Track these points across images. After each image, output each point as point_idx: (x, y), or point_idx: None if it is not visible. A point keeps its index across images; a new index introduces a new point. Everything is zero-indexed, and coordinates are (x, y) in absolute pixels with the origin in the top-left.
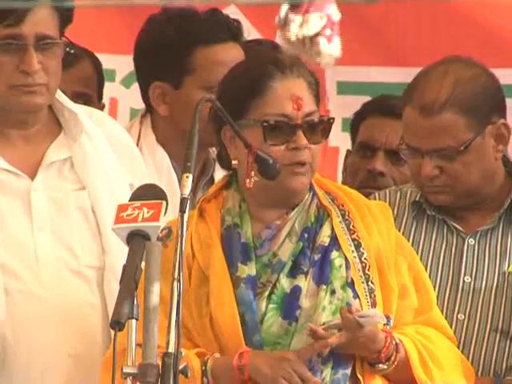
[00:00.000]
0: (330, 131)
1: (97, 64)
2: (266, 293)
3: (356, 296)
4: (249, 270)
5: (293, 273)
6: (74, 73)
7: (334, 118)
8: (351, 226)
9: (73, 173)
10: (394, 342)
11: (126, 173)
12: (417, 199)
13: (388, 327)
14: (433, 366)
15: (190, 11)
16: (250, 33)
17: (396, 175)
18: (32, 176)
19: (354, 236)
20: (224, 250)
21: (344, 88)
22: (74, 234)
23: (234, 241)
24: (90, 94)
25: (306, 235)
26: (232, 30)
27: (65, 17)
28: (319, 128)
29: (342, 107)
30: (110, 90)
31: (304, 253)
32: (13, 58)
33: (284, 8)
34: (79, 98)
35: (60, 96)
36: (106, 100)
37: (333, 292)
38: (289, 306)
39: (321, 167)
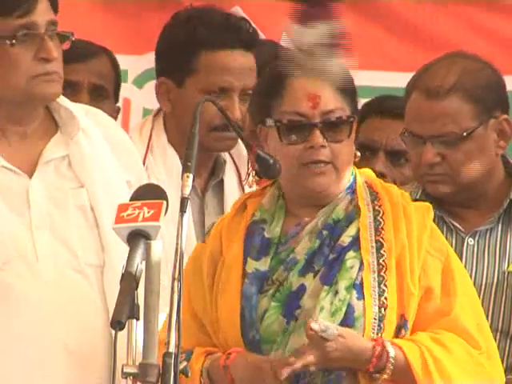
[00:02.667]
0: (351, 130)
1: (114, 63)
2: (272, 290)
3: (361, 297)
4: (259, 265)
5: (304, 271)
6: (91, 65)
7: (354, 117)
8: (380, 227)
9: (70, 171)
10: (386, 351)
11: (123, 170)
12: (417, 197)
13: (404, 331)
14: (437, 374)
15: (210, 12)
16: None
17: (397, 176)
18: (30, 174)
19: (379, 237)
20: (245, 244)
21: None
22: (73, 232)
23: (255, 235)
24: (107, 87)
25: (324, 232)
26: (242, 39)
27: (54, 5)
28: (340, 126)
29: None
30: (122, 90)
31: (321, 251)
32: (29, 47)
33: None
34: (95, 90)
35: None
36: (119, 101)
37: (336, 293)
38: (290, 304)
39: None
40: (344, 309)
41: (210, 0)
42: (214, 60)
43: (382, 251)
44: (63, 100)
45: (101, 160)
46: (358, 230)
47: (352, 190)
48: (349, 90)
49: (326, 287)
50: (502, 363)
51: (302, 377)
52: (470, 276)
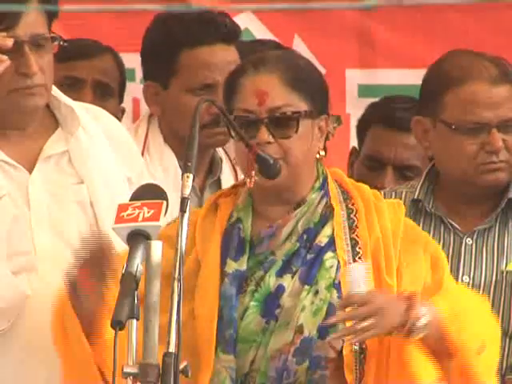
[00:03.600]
0: (298, 124)
1: (119, 62)
2: (251, 289)
3: (341, 297)
4: (238, 265)
5: (281, 272)
6: (95, 62)
7: (299, 112)
8: (354, 226)
9: (71, 167)
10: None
11: (123, 167)
12: (415, 197)
13: None
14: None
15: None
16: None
17: None
18: (30, 169)
19: (354, 235)
20: (222, 245)
21: (365, 91)
22: (73, 228)
23: (233, 236)
24: (111, 85)
25: (305, 236)
26: (221, 33)
27: (50, 16)
28: (286, 122)
29: (362, 110)
30: (131, 90)
31: (299, 253)
32: (10, 61)
33: None
34: (99, 87)
35: (56, 91)
36: (128, 101)
37: (316, 292)
38: (269, 304)
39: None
40: (325, 308)
41: (220, 2)
42: (194, 58)
43: (357, 249)
44: (63, 97)
45: (101, 156)
46: (333, 230)
47: (325, 191)
48: (304, 86)
49: (306, 287)
50: (502, 363)
51: (286, 376)
52: (469, 276)
